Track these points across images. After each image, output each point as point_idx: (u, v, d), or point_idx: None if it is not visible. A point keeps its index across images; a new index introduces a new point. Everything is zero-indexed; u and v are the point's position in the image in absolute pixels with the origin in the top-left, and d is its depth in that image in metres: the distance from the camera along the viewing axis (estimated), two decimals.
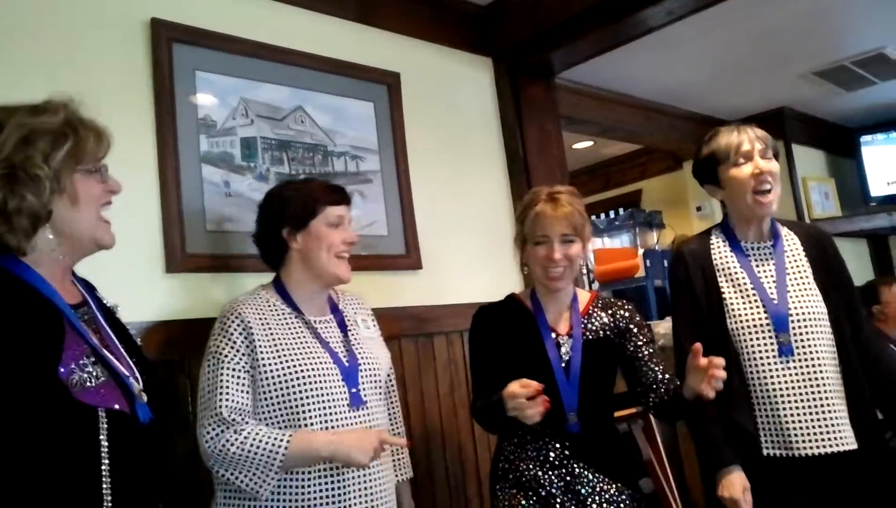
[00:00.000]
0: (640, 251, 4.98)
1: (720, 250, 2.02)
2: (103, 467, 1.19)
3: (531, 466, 1.86)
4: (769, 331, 1.88)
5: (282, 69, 2.40)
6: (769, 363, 1.87)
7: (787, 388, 1.85)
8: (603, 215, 6.04)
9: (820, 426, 1.82)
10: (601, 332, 1.96)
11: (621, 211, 5.53)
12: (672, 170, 5.67)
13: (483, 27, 3.11)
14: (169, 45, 2.13)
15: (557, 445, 1.86)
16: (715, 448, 1.88)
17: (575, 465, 1.85)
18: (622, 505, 1.84)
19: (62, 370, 1.18)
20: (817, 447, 1.81)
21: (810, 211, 4.91)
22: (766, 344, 1.88)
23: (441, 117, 2.91)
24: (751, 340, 1.90)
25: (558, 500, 1.82)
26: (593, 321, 1.98)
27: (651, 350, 1.94)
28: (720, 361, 1.63)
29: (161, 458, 1.33)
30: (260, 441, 1.59)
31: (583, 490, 1.83)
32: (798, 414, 1.83)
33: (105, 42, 2.03)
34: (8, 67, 1.84)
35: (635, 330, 1.96)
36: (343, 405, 1.71)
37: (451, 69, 3.01)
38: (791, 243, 2.01)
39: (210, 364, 1.69)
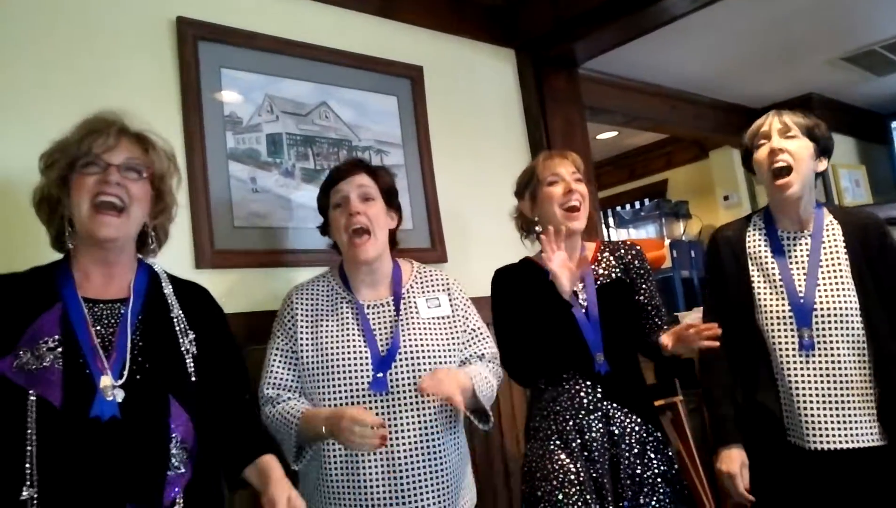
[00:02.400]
0: (667, 242, 4.95)
1: (755, 239, 1.99)
2: (28, 450, 1.22)
3: (567, 416, 1.90)
4: (791, 325, 1.86)
5: (306, 65, 2.41)
6: (790, 357, 1.86)
7: (805, 382, 1.83)
8: (628, 206, 6.01)
9: (837, 422, 1.80)
10: (612, 274, 2.02)
11: (647, 202, 5.49)
12: (698, 159, 5.61)
13: (505, 18, 3.10)
14: (195, 44, 2.15)
15: (589, 388, 1.91)
16: (721, 426, 1.92)
17: (608, 405, 1.90)
18: (649, 445, 1.90)
19: (11, 353, 1.26)
20: (832, 442, 1.79)
21: (840, 199, 4.83)
22: (788, 338, 1.87)
23: (464, 110, 2.91)
24: (775, 332, 1.88)
25: (597, 443, 1.86)
26: (602, 265, 2.04)
27: (657, 302, 2.04)
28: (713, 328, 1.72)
29: (121, 457, 1.27)
30: (282, 415, 1.70)
31: (616, 430, 1.88)
32: (814, 409, 1.81)
33: (131, 41, 2.06)
34: (34, 67, 1.87)
35: (647, 276, 2.05)
36: (363, 389, 1.71)
37: (473, 61, 3.00)
38: (831, 233, 1.92)
39: (269, 342, 1.84)
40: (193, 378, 1.44)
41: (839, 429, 1.79)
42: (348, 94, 2.51)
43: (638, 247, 2.10)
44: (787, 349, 1.87)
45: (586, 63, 3.34)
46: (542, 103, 3.11)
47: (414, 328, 1.82)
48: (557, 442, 1.88)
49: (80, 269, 1.41)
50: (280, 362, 1.79)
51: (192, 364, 1.45)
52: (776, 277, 1.91)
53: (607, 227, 5.97)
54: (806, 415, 1.82)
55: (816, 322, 1.84)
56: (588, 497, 1.80)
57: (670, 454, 1.94)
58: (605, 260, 2.05)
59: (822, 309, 1.84)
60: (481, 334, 1.94)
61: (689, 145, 5.59)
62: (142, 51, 2.07)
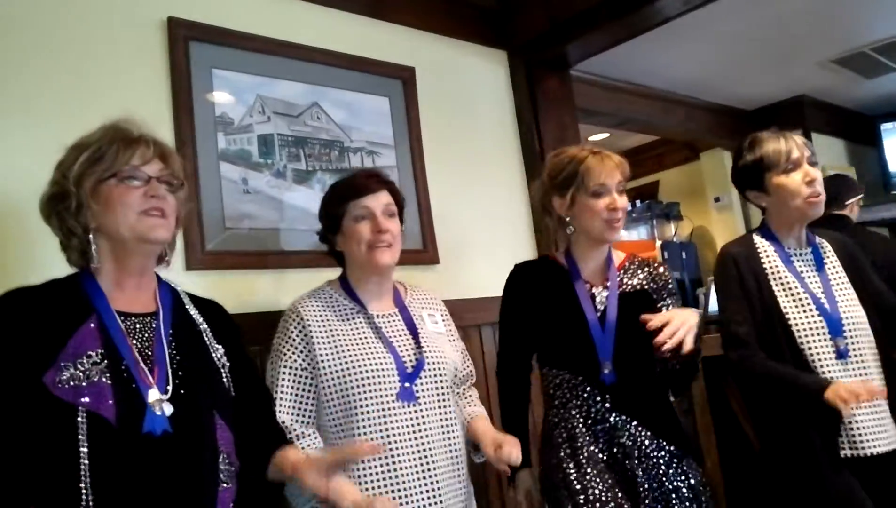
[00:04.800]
0: (658, 243, 4.97)
1: (768, 255, 2.03)
2: (82, 468, 1.18)
3: (576, 424, 1.86)
4: (825, 335, 1.91)
5: (297, 66, 2.41)
6: (829, 366, 1.89)
7: None
8: None
9: (878, 425, 1.86)
10: (639, 286, 1.97)
11: (638, 203, 5.50)
12: (689, 161, 5.63)
13: (497, 20, 3.11)
14: (186, 44, 2.14)
15: (598, 398, 1.86)
16: (806, 378, 1.86)
17: (616, 417, 1.84)
18: (662, 459, 1.83)
19: (52, 367, 1.21)
20: (880, 444, 1.85)
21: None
22: (824, 348, 1.90)
23: (456, 111, 2.91)
24: (810, 344, 1.91)
25: (604, 454, 1.83)
26: (629, 276, 1.99)
27: None
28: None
29: (174, 473, 1.26)
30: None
31: (626, 442, 1.83)
32: (862, 414, 1.85)
33: (122, 42, 2.05)
34: (25, 69, 1.86)
35: (672, 292, 2.01)
36: (392, 399, 1.71)
37: (465, 63, 3.00)
38: (825, 248, 2.06)
39: (272, 361, 1.77)
40: (232, 393, 1.44)
41: (881, 432, 1.86)
42: (340, 95, 2.51)
43: (665, 267, 2.07)
44: (823, 360, 1.89)
45: (578, 65, 3.34)
46: (534, 105, 3.11)
47: (430, 340, 1.85)
48: (568, 451, 1.84)
49: (110, 281, 1.38)
50: (290, 382, 1.72)
51: (228, 378, 1.44)
52: (799, 290, 1.96)
53: None
54: (855, 422, 1.85)
55: (846, 331, 1.91)
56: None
57: (687, 467, 1.85)
58: (633, 271, 2.01)
59: (847, 318, 1.92)
60: (466, 355, 2.03)
61: (680, 147, 5.61)
62: (133, 51, 2.06)
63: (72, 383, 1.21)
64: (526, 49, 3.10)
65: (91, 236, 1.35)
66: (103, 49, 2.00)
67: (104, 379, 1.23)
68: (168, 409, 1.27)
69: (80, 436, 1.19)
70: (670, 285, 2.02)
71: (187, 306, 1.48)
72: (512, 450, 1.67)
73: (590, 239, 1.96)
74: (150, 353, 1.33)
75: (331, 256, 1.93)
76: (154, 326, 1.37)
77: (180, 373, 1.34)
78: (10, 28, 1.86)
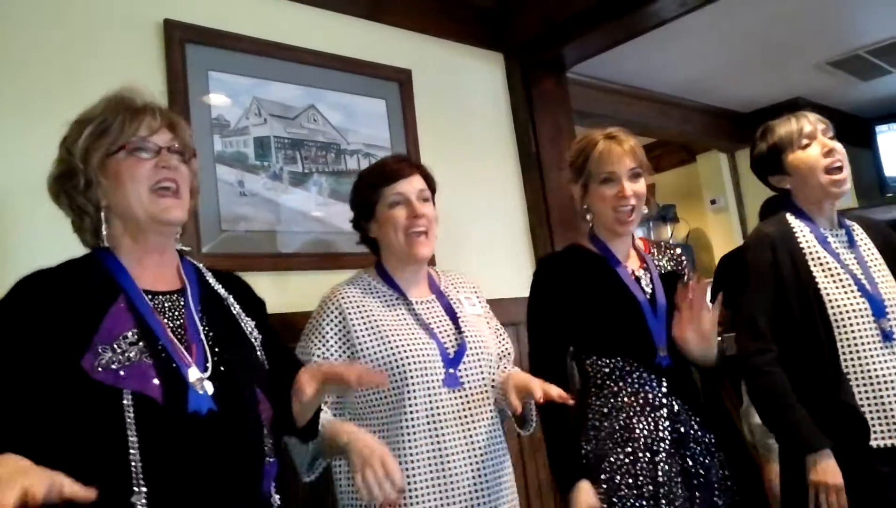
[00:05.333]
0: None
1: (804, 234, 1.93)
2: (132, 452, 1.14)
3: (630, 413, 1.78)
4: (868, 317, 1.80)
5: (294, 68, 2.41)
6: (873, 350, 1.78)
7: (892, 374, 1.76)
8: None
9: None
10: (668, 266, 1.95)
11: None
12: (686, 163, 5.63)
13: (494, 22, 3.11)
14: (182, 46, 2.14)
15: (654, 383, 1.79)
16: (803, 429, 1.76)
17: (674, 401, 1.79)
18: (711, 446, 1.79)
19: (89, 351, 1.16)
20: None
21: None
22: (867, 330, 1.79)
23: (453, 114, 2.91)
24: (852, 326, 1.80)
25: (665, 443, 1.74)
26: (657, 258, 1.97)
27: None
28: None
29: (221, 452, 1.22)
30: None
31: (682, 429, 1.77)
32: None
33: (118, 44, 2.04)
34: (21, 68, 1.86)
35: (690, 273, 1.98)
36: (438, 385, 1.69)
37: (462, 65, 3.01)
38: (858, 232, 1.97)
39: (301, 347, 1.74)
40: (266, 367, 1.40)
41: None
42: (336, 97, 2.51)
43: (680, 250, 2.05)
44: (867, 343, 1.79)
45: (575, 67, 3.34)
46: (530, 107, 3.11)
47: (471, 325, 1.82)
48: (619, 440, 1.76)
49: (132, 258, 1.31)
50: None
51: (261, 352, 1.40)
52: (839, 271, 1.85)
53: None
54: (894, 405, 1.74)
55: (889, 313, 1.81)
56: (647, 500, 1.69)
57: (724, 456, 1.81)
58: (659, 254, 1.99)
59: (889, 300, 1.83)
60: (503, 333, 1.97)
61: (676, 149, 5.61)
62: (129, 53, 2.06)
63: (112, 365, 1.16)
64: (522, 51, 3.11)
65: (103, 214, 1.29)
66: (100, 51, 2.00)
67: (144, 359, 1.19)
68: (209, 387, 1.23)
69: (127, 419, 1.14)
70: (686, 263, 2.01)
71: (211, 282, 1.43)
72: (549, 388, 1.55)
73: (606, 228, 1.91)
74: (183, 332, 1.28)
75: (364, 243, 1.90)
76: (182, 303, 1.33)
77: (217, 350, 1.30)
78: (6, 29, 1.86)
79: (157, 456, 1.16)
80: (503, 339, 1.96)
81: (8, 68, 1.84)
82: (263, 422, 1.31)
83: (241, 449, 1.26)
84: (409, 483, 1.63)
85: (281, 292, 2.19)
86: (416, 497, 1.64)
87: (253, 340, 1.40)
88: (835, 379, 1.78)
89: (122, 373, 1.16)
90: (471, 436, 1.70)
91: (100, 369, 1.15)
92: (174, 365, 1.22)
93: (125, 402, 1.15)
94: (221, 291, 1.43)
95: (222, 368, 1.28)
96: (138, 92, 1.34)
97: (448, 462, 1.66)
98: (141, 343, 1.20)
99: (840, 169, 1.90)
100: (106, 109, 1.31)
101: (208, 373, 1.25)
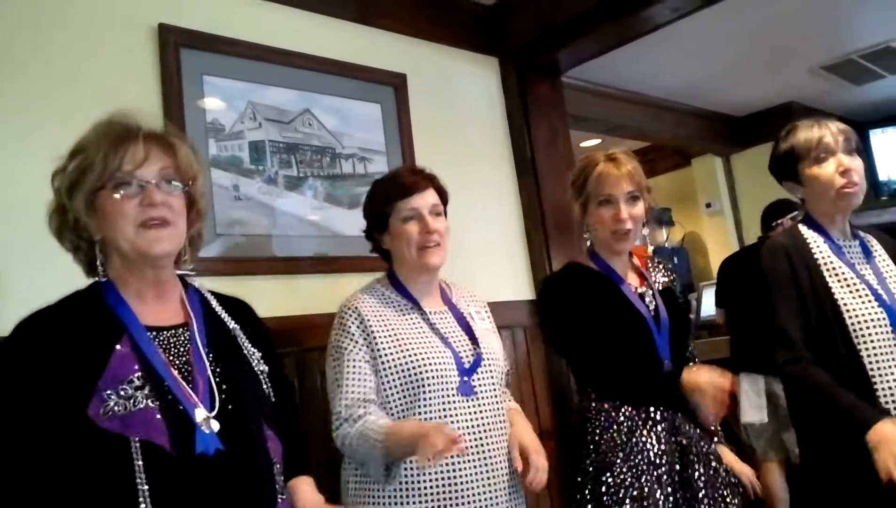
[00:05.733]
0: (650, 249, 4.97)
1: (819, 246, 1.92)
2: (141, 498, 1.11)
3: (632, 426, 1.82)
4: (885, 326, 1.79)
5: (289, 72, 2.41)
6: (891, 360, 1.78)
7: None
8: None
9: None
10: (664, 283, 2.01)
11: None
12: (680, 167, 5.65)
13: (489, 27, 3.11)
14: (177, 51, 2.14)
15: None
16: (858, 409, 1.72)
17: (674, 415, 1.84)
18: (712, 455, 1.84)
19: (94, 397, 1.14)
20: None
21: None
22: (885, 339, 1.79)
23: (448, 118, 2.91)
24: (869, 335, 1.79)
25: (667, 456, 1.78)
26: (653, 274, 2.03)
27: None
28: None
29: (230, 492, 1.19)
30: (364, 435, 1.61)
31: (684, 441, 1.82)
32: None
33: (113, 48, 2.04)
34: (15, 73, 1.86)
35: (680, 291, 2.04)
36: (453, 393, 1.71)
37: (457, 69, 3.01)
38: (873, 243, 1.97)
39: (333, 358, 1.74)
40: (273, 399, 1.37)
41: None
42: (331, 101, 2.51)
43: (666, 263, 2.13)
44: (886, 351, 1.78)
45: (569, 71, 3.35)
46: (525, 111, 3.11)
47: (483, 336, 1.84)
48: (621, 455, 1.80)
49: (131, 292, 1.27)
50: (354, 373, 1.69)
51: (267, 385, 1.37)
52: (855, 282, 1.85)
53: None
54: None
55: None
56: None
57: (725, 465, 1.87)
58: (654, 269, 2.05)
59: None
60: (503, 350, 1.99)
61: (671, 153, 5.62)
62: (124, 57, 2.06)
63: (118, 411, 1.13)
64: (517, 55, 3.11)
65: (98, 247, 1.27)
66: (94, 55, 2.00)
67: (150, 403, 1.16)
68: (216, 426, 1.20)
69: (136, 468, 1.12)
70: (676, 277, 2.08)
71: (217, 311, 1.40)
72: (538, 473, 1.64)
73: (605, 247, 1.98)
74: (189, 369, 1.25)
75: (376, 253, 1.91)
76: (187, 338, 1.29)
77: (224, 387, 1.26)
78: (2, 33, 1.86)
79: (167, 503, 1.13)
80: (506, 357, 1.98)
81: (3, 72, 1.84)
82: (274, 459, 1.29)
83: (253, 489, 1.23)
84: (420, 488, 1.66)
85: (276, 297, 2.19)
86: (428, 502, 1.65)
87: (259, 373, 1.37)
88: (862, 386, 1.76)
89: (129, 420, 1.14)
90: (483, 444, 1.71)
91: (106, 416, 1.13)
92: (181, 407, 1.19)
93: (133, 450, 1.13)
94: (228, 320, 1.39)
95: (230, 406, 1.25)
96: (130, 117, 1.29)
97: (461, 469, 1.67)
98: (147, 387, 1.17)
99: (853, 186, 1.89)
100: (93, 140, 1.26)
101: (215, 412, 1.22)
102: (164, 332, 1.28)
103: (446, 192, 1.92)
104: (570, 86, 3.50)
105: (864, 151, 5.29)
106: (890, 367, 1.78)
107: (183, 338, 1.29)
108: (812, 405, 1.84)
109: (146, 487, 1.12)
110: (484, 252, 2.86)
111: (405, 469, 1.65)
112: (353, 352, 1.72)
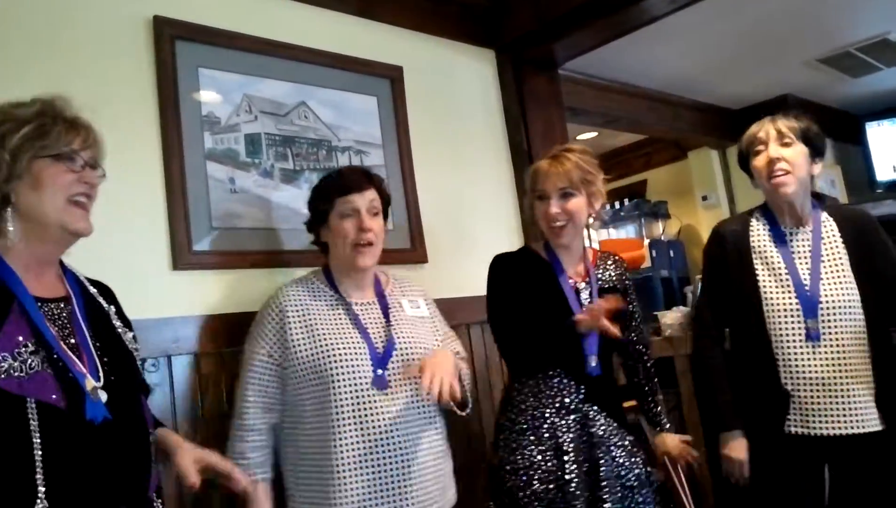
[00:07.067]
0: (646, 242, 4.99)
1: (758, 233, 2.07)
2: (36, 459, 1.18)
3: (547, 413, 1.91)
4: (798, 316, 1.94)
5: (284, 65, 2.40)
6: (797, 348, 1.93)
7: (812, 371, 1.91)
8: (608, 206, 6.03)
9: (839, 409, 1.89)
10: (611, 281, 2.06)
11: (626, 202, 5.52)
12: (677, 160, 5.65)
13: (485, 19, 3.11)
14: (172, 43, 2.13)
15: (573, 389, 1.93)
16: (722, 412, 2.02)
17: (589, 408, 1.92)
18: (626, 449, 1.92)
19: None
20: (836, 428, 1.88)
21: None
22: (794, 329, 1.94)
23: (444, 111, 2.91)
24: (781, 323, 1.96)
25: (572, 445, 1.87)
26: (602, 270, 2.08)
27: (639, 312, 2.15)
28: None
29: (117, 459, 1.28)
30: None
31: (596, 432, 1.89)
32: (820, 397, 1.90)
33: (107, 40, 2.03)
34: (9, 66, 1.84)
35: (631, 289, 2.12)
36: (367, 385, 1.75)
37: (453, 62, 3.00)
38: (829, 228, 2.04)
39: (248, 344, 1.84)
40: (143, 376, 1.47)
41: (843, 416, 1.88)
42: (328, 94, 2.50)
43: (624, 262, 2.19)
44: (792, 340, 1.94)
45: (566, 64, 3.35)
46: (522, 104, 3.11)
47: (404, 325, 1.88)
48: (531, 438, 1.90)
49: (19, 264, 1.31)
50: (257, 372, 1.80)
51: (140, 362, 1.47)
52: (781, 270, 1.99)
53: (587, 227, 6.00)
54: (812, 403, 1.90)
55: (822, 314, 1.93)
56: (557, 495, 1.82)
57: (643, 456, 1.97)
58: (604, 266, 2.10)
59: (826, 301, 1.93)
60: (451, 336, 2.06)
61: (667, 146, 5.63)
62: (118, 50, 2.05)
63: (14, 373, 1.19)
64: (514, 48, 3.11)
65: (10, 210, 1.29)
66: (89, 47, 1.99)
67: (44, 368, 1.22)
68: (104, 396, 1.28)
69: (31, 427, 1.18)
70: (627, 275, 2.15)
71: (92, 292, 1.46)
72: (433, 379, 1.63)
73: (549, 239, 2.05)
74: (73, 341, 1.31)
75: (316, 245, 1.97)
76: (69, 311, 1.35)
77: (105, 359, 1.34)
78: None
79: (60, 463, 1.20)
80: (450, 341, 2.03)
81: None
82: (150, 430, 1.39)
83: (133, 457, 1.32)
84: (339, 481, 1.69)
85: (271, 290, 2.18)
86: (347, 494, 1.69)
87: (132, 350, 1.45)
88: (769, 368, 1.96)
89: (25, 381, 1.19)
90: (400, 438, 1.74)
91: (3, 377, 1.18)
92: (70, 375, 1.25)
93: (29, 410, 1.19)
94: (102, 302, 1.46)
95: (112, 377, 1.32)
96: (71, 104, 1.38)
97: (378, 460, 1.71)
98: (40, 352, 1.23)
99: (781, 175, 1.99)
100: (44, 111, 1.33)
101: (101, 382, 1.29)
102: (49, 304, 1.33)
103: (389, 196, 1.98)
104: (566, 78, 3.49)
105: (861, 143, 5.31)
106: (795, 353, 1.94)
107: (66, 311, 1.35)
108: (696, 385, 2.19)
109: (39, 444, 1.18)
110: (479, 245, 2.86)
111: (332, 467, 1.69)
112: (262, 348, 1.80)
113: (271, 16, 2.41)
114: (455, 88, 2.98)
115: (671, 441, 2.07)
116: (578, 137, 5.23)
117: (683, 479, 2.76)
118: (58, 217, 1.31)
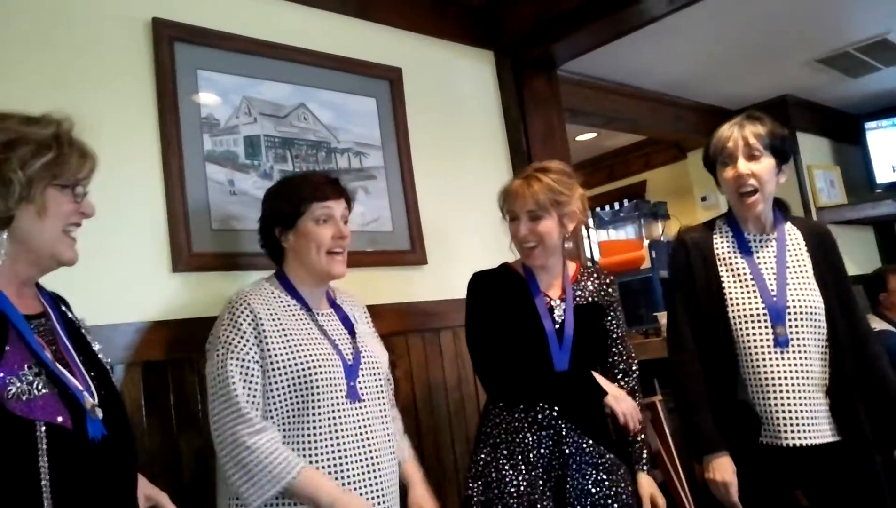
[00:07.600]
0: (646, 243, 4.98)
1: (723, 241, 2.05)
2: (43, 483, 1.16)
3: (519, 427, 1.91)
4: (766, 322, 1.91)
5: (283, 66, 2.40)
6: (765, 354, 1.90)
7: (780, 379, 1.89)
8: (607, 207, 6.03)
9: (805, 418, 1.87)
10: (590, 298, 2.04)
11: (626, 203, 5.52)
12: (676, 160, 5.65)
13: (484, 20, 3.11)
14: (171, 45, 2.13)
15: (546, 406, 1.91)
16: (702, 432, 1.93)
17: (563, 425, 1.90)
18: (601, 467, 1.89)
19: None
20: (801, 438, 1.86)
21: (815, 199, 4.88)
22: (762, 335, 1.91)
23: (444, 112, 2.91)
24: (748, 330, 1.93)
25: (544, 460, 1.87)
26: (582, 287, 2.05)
27: (623, 331, 2.09)
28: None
29: (116, 477, 1.28)
30: (275, 458, 1.60)
31: (567, 450, 1.88)
32: (788, 405, 1.87)
33: (107, 43, 2.03)
34: (8, 68, 1.84)
35: (617, 305, 2.08)
36: (343, 398, 1.72)
37: (453, 63, 3.00)
38: (793, 236, 2.03)
39: (219, 354, 1.67)
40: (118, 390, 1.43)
41: (807, 425, 1.86)
42: (327, 95, 2.50)
43: (613, 276, 2.15)
44: (761, 347, 1.91)
45: (565, 65, 3.35)
46: (521, 105, 3.11)
47: (363, 338, 1.87)
48: (504, 452, 1.90)
49: (4, 284, 1.28)
50: (242, 374, 1.65)
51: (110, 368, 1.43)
52: (747, 276, 1.97)
53: (587, 228, 5.99)
54: (782, 411, 1.87)
55: (789, 320, 1.90)
56: None
57: (622, 474, 1.93)
58: (583, 283, 2.07)
59: (793, 307, 1.91)
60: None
61: (667, 147, 5.63)
62: (117, 52, 2.05)
63: (23, 397, 1.17)
64: (513, 49, 3.11)
65: (6, 232, 1.27)
66: (88, 49, 1.99)
67: (48, 390, 1.21)
68: (100, 413, 1.27)
69: (39, 451, 1.16)
70: (617, 297, 2.10)
71: (62, 307, 1.43)
72: None
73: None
74: (61, 357, 1.29)
75: (266, 249, 1.89)
76: (50, 327, 1.32)
77: (92, 374, 1.32)
78: None
79: (65, 485, 1.19)
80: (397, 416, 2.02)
81: None
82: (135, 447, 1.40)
83: (129, 474, 1.33)
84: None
85: None
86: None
87: (106, 365, 1.41)
88: (734, 378, 1.92)
89: (33, 404, 1.18)
90: (369, 449, 1.73)
91: (11, 399, 1.16)
92: (70, 393, 1.24)
93: (38, 433, 1.17)
94: (69, 314, 1.43)
95: (103, 393, 1.31)
96: (75, 125, 1.36)
97: (347, 474, 1.69)
98: (43, 374, 1.22)
99: (750, 193, 1.96)
100: (59, 135, 1.31)
101: (96, 399, 1.28)
102: (34, 320, 1.30)
103: (352, 204, 1.92)
104: (565, 79, 3.49)
105: (860, 144, 5.30)
106: (763, 360, 1.90)
107: (47, 327, 1.33)
108: (676, 404, 2.08)
109: (47, 468, 1.17)
110: (478, 247, 2.85)
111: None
112: (243, 350, 1.67)
113: (270, 18, 2.41)
114: (454, 89, 2.98)
115: (645, 487, 1.99)
116: (578, 138, 5.23)
117: (683, 479, 2.76)
118: (52, 247, 1.30)
